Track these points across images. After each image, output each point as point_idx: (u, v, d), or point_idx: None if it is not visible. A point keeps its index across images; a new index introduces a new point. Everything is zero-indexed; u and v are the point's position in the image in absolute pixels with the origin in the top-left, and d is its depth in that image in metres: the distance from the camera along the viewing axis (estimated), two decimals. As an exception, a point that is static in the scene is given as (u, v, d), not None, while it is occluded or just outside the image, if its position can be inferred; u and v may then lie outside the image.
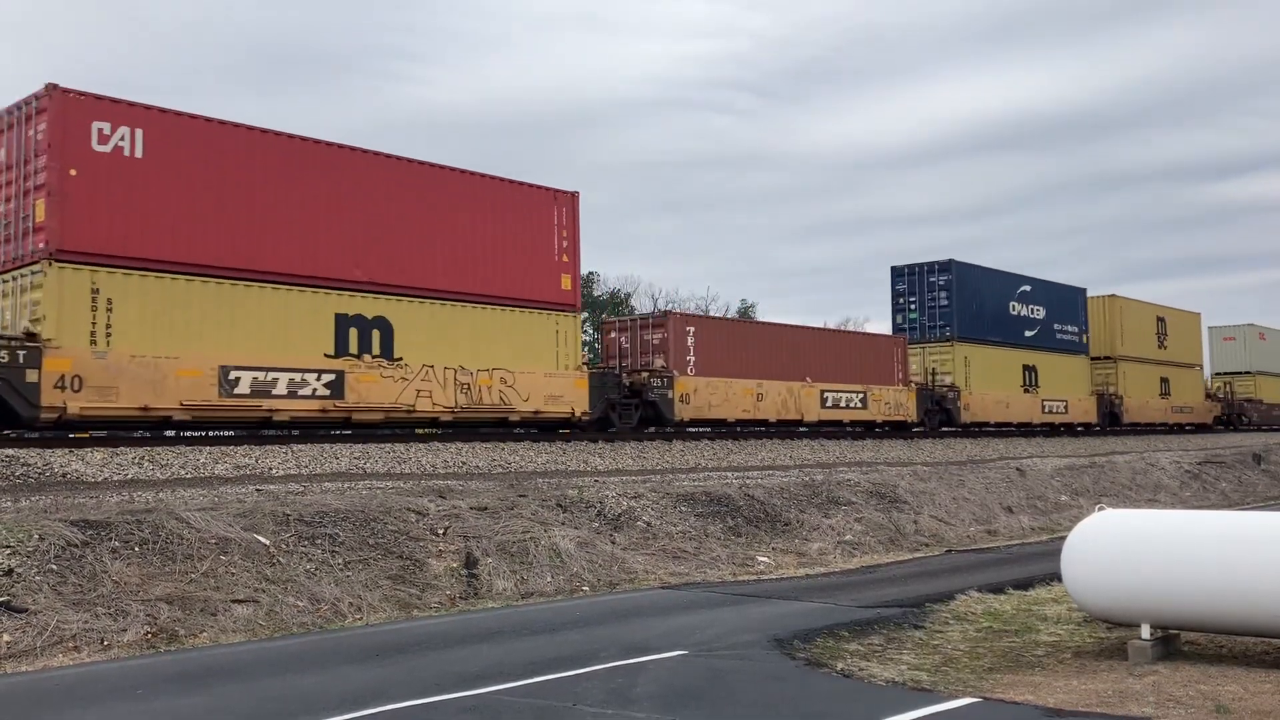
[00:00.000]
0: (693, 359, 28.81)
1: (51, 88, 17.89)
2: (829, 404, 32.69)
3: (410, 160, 23.00)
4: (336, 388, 20.83)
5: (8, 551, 10.52)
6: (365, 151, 22.19)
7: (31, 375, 16.89)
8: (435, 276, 22.98)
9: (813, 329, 36.83)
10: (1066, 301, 44.93)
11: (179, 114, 19.39)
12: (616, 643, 9.84)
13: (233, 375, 19.29)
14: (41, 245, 17.61)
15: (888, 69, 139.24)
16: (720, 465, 25.28)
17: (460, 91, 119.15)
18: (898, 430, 35.61)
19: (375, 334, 21.77)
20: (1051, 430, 43.23)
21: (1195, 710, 7.47)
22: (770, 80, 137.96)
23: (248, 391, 19.48)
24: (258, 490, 15.10)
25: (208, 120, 19.81)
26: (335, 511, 13.52)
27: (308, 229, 20.91)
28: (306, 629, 11.13)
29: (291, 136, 21.06)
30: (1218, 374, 61.67)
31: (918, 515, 20.43)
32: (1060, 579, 10.02)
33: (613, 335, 30.31)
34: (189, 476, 16.94)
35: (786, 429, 31.84)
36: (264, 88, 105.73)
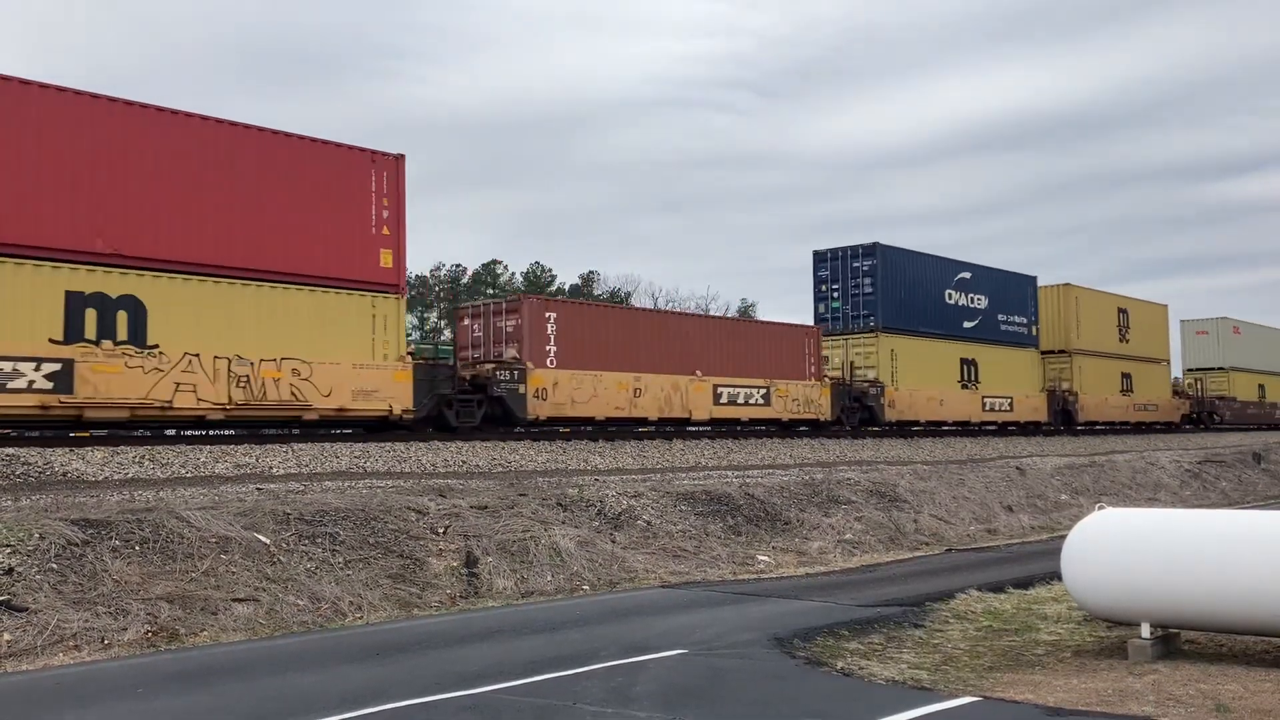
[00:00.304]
0: (554, 349, 25.67)
1: None
2: (724, 400, 29.54)
3: (175, 112, 19.63)
4: (63, 380, 17.47)
5: (8, 550, 10.52)
6: (112, 100, 18.80)
7: None
8: (206, 249, 19.57)
9: (706, 317, 34.33)
10: (1013, 290, 41.44)
11: None
12: (616, 642, 9.84)
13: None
14: None
15: (889, 68, 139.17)
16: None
17: (460, 91, 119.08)
18: (817, 430, 32.52)
19: (122, 316, 18.40)
20: (999, 430, 40.14)
21: (1195, 709, 7.47)
22: (771, 80, 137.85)
23: None
24: (258, 489, 15.11)
25: None
26: (336, 510, 13.53)
27: (27, 190, 17.56)
28: (307, 628, 11.13)
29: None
30: (1189, 370, 58.76)
31: (918, 514, 20.43)
32: (1060, 578, 10.02)
33: (465, 323, 27.43)
34: (189, 475, 16.94)
35: (674, 429, 28.74)
36: (261, 87, 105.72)
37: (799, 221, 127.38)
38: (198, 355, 19.24)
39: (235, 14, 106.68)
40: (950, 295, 38.19)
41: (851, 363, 34.90)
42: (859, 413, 33.76)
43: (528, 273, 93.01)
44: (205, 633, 10.56)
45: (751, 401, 30.51)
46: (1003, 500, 23.36)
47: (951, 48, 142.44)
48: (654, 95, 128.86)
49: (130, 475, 16.46)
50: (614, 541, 15.40)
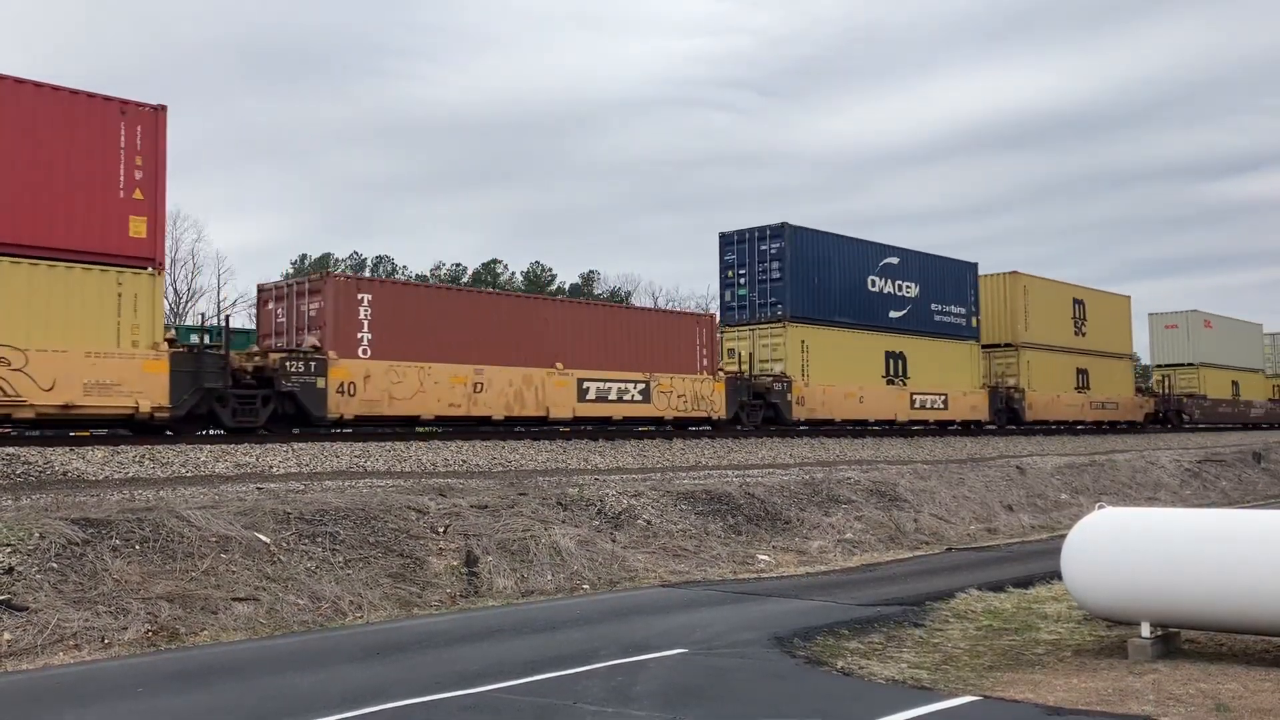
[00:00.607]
0: (367, 336, 22.10)
1: None
2: (591, 396, 25.99)
3: None
4: None
5: (8, 550, 10.53)
6: None
7: None
8: None
9: (571, 302, 30.23)
10: (950, 278, 37.73)
11: None
12: (617, 641, 9.84)
13: None
14: None
15: (889, 67, 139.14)
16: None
17: (460, 90, 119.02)
18: (717, 430, 29.46)
19: None
20: (935, 430, 36.87)
21: (1195, 708, 7.47)
22: (772, 78, 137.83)
23: None
24: (258, 488, 15.11)
25: None
26: (336, 510, 13.53)
27: None
28: (307, 627, 11.14)
29: None
30: (1158, 366, 55.41)
31: (918, 513, 20.43)
32: (1060, 577, 10.03)
33: (269, 306, 23.73)
34: (189, 475, 16.94)
35: (530, 428, 25.52)
36: (262, 86, 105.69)
37: (800, 221, 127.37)
38: None
39: (235, 13, 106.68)
40: (874, 282, 34.59)
41: (753, 355, 31.70)
42: (762, 410, 30.41)
43: (527, 272, 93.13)
44: (205, 632, 10.56)
45: (627, 398, 26.82)
46: (1003, 499, 23.36)
47: (952, 47, 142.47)
48: (654, 94, 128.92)
49: (130, 474, 16.46)
50: (614, 541, 15.40)
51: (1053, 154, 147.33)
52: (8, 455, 16.13)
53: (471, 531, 14.13)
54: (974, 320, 38.70)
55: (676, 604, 12.23)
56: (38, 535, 10.84)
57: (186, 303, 61.76)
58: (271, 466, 18.23)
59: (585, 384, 26.03)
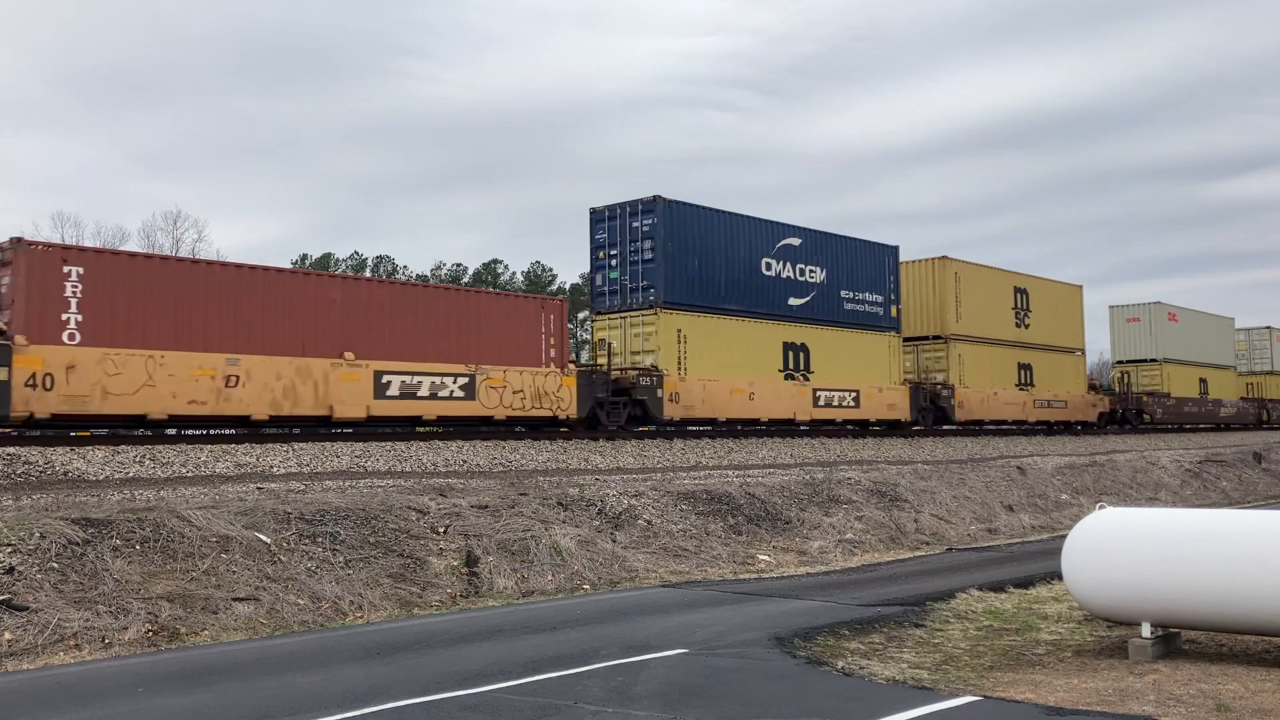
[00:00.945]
0: (76, 318, 18.34)
1: None
2: (394, 392, 22.14)
3: None
4: None
5: (9, 549, 10.53)
6: None
7: None
8: None
9: (366, 280, 25.89)
10: (865, 262, 34.14)
11: None
12: (617, 641, 9.84)
13: None
14: None
15: (890, 66, 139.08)
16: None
17: (460, 90, 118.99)
18: (569, 431, 25.80)
19: None
20: (849, 431, 33.38)
21: (1196, 708, 7.47)
22: (773, 77, 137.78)
23: None
24: (259, 488, 15.11)
25: None
26: (336, 510, 13.53)
27: None
28: (307, 627, 11.14)
29: None
30: (1119, 362, 51.88)
31: (918, 513, 20.43)
32: (1061, 577, 10.03)
33: None
34: (190, 475, 16.95)
35: (310, 429, 21.67)
36: (264, 85, 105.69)
37: (801, 219, 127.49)
38: None
39: (236, 12, 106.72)
40: (770, 265, 30.74)
41: (625, 346, 28.12)
42: (626, 409, 26.90)
43: (528, 271, 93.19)
44: (206, 632, 10.57)
45: (443, 394, 23.04)
46: (1003, 500, 23.36)
47: (952, 46, 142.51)
48: (655, 93, 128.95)
49: (131, 474, 16.47)
50: (615, 541, 15.41)
51: (1053, 153, 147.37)
52: (9, 455, 16.13)
53: (472, 531, 14.13)
54: (894, 309, 34.96)
55: (677, 604, 12.23)
56: (38, 535, 10.84)
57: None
58: (272, 466, 18.24)
59: (385, 378, 22.12)
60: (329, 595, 11.95)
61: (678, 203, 28.32)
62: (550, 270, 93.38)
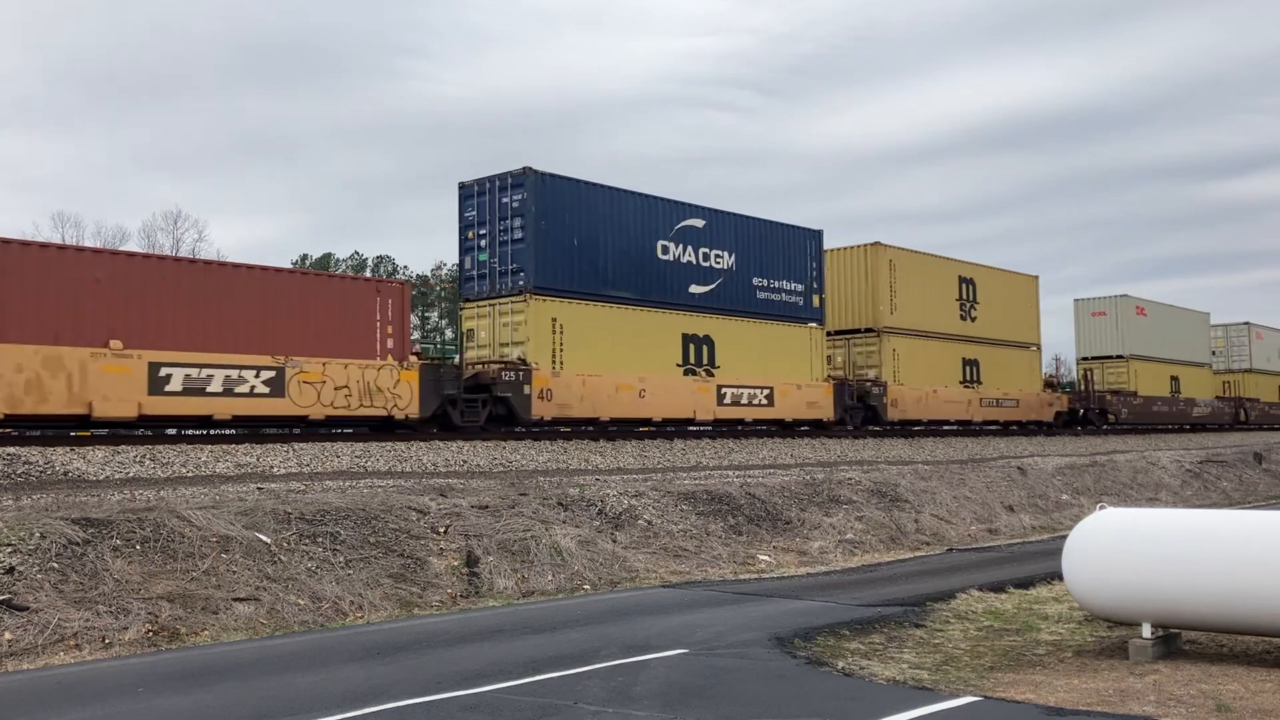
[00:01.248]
0: None
1: None
2: (176, 387, 19.16)
3: None
4: None
5: (9, 550, 10.53)
6: None
7: None
8: None
9: (146, 258, 22.08)
10: (782, 248, 30.97)
11: None
12: (617, 641, 9.84)
13: None
14: None
15: (891, 66, 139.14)
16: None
17: (461, 89, 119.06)
18: (421, 432, 22.95)
19: None
20: (773, 430, 30.85)
21: (1196, 709, 7.46)
22: (773, 77, 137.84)
23: None
24: (259, 488, 15.12)
25: None
26: (336, 510, 13.53)
27: None
28: (308, 627, 11.14)
29: None
30: (1083, 359, 48.44)
31: (919, 514, 20.43)
32: (1061, 578, 10.03)
33: None
34: (190, 475, 16.95)
35: (68, 430, 19.02)
36: (265, 85, 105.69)
37: (801, 219, 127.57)
38: None
39: (236, 11, 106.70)
40: (666, 249, 27.61)
41: (478, 336, 25.45)
42: (488, 408, 23.75)
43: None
44: (206, 632, 10.57)
45: (242, 390, 19.99)
46: (1004, 500, 23.36)
47: (952, 46, 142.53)
48: (655, 93, 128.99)
49: (131, 474, 16.48)
50: (615, 541, 15.41)
51: (1053, 154, 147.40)
52: (9, 455, 16.14)
53: (472, 532, 14.13)
54: (817, 299, 31.86)
55: (677, 604, 12.23)
56: (39, 535, 10.84)
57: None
58: (272, 467, 18.24)
59: (165, 370, 19.10)
60: (329, 595, 11.95)
61: (552, 176, 25.20)
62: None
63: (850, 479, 21.08)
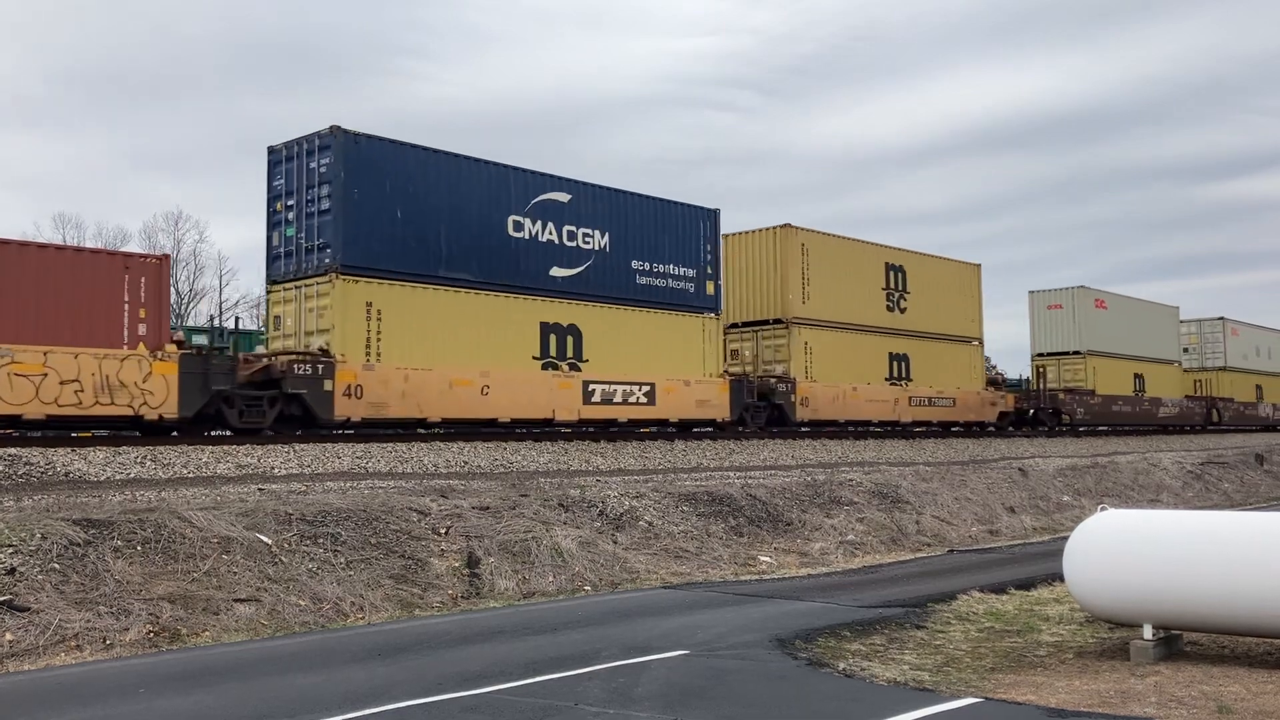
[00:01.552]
0: None
1: None
2: None
3: None
4: None
5: (10, 550, 10.54)
6: None
7: None
8: None
9: None
10: (667, 228, 27.38)
11: None
12: (618, 642, 9.84)
13: None
14: None
15: (891, 66, 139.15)
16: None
17: (460, 89, 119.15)
18: (189, 435, 19.63)
19: None
20: (657, 432, 27.46)
21: (1198, 710, 7.46)
22: (773, 77, 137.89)
23: None
24: (260, 489, 15.12)
25: None
26: (337, 511, 13.54)
27: None
28: (308, 628, 11.14)
29: None
30: (1039, 355, 44.72)
31: (920, 515, 20.43)
32: (1062, 579, 10.03)
33: None
34: (191, 476, 16.96)
35: None
36: (264, 85, 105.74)
37: (802, 219, 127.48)
38: None
39: (236, 11, 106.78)
40: (520, 225, 24.00)
41: (274, 320, 22.29)
42: (277, 406, 20.33)
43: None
44: (207, 633, 10.57)
45: None
46: (1005, 501, 23.36)
47: (956, 45, 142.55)
48: (655, 93, 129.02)
49: (132, 475, 16.48)
50: (616, 542, 15.41)
51: (1055, 154, 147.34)
52: (10, 456, 16.15)
53: (473, 533, 14.14)
54: (711, 286, 28.41)
55: (678, 605, 12.23)
56: (39, 536, 10.85)
57: (189, 304, 61.88)
58: (273, 468, 18.25)
59: None
60: (330, 596, 11.95)
61: (369, 137, 21.65)
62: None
63: (851, 480, 21.08)
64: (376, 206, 21.63)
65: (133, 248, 58.86)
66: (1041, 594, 12.91)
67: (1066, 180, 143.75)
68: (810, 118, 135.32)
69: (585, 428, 25.63)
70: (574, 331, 25.09)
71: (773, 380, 30.05)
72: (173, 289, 58.81)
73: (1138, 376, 47.04)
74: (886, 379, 33.87)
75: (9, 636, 9.64)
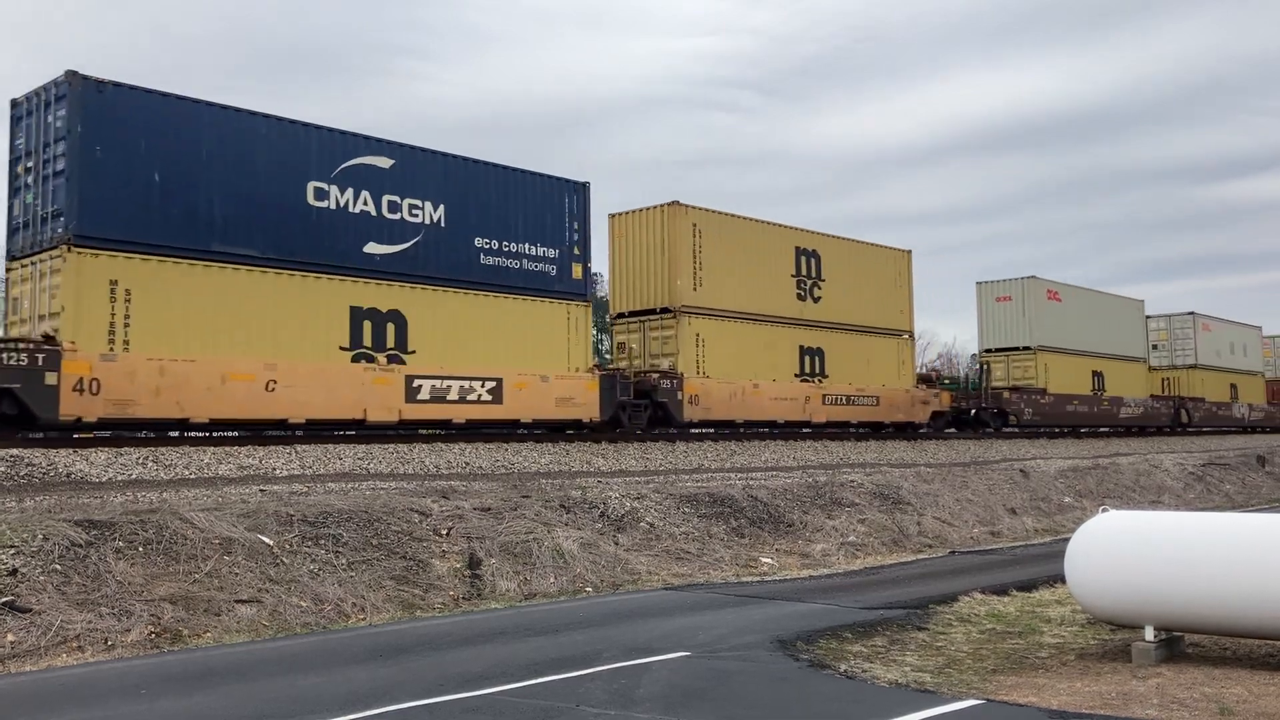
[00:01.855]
0: None
1: None
2: None
3: None
4: None
5: (12, 551, 10.54)
6: None
7: None
8: None
9: None
10: (521, 201, 24.08)
11: None
12: (619, 644, 9.84)
13: None
14: None
15: (893, 67, 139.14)
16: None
17: (461, 89, 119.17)
18: None
19: None
20: (506, 433, 24.12)
21: (1199, 712, 7.46)
22: (774, 78, 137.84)
23: None
24: (261, 491, 15.13)
25: None
26: (339, 512, 13.54)
27: None
28: (310, 629, 11.15)
29: None
30: (986, 350, 41.59)
31: (921, 516, 20.43)
32: (1064, 580, 10.02)
33: None
34: (193, 477, 16.96)
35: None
36: (264, 86, 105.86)
37: (804, 220, 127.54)
38: None
39: (237, 12, 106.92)
40: (324, 194, 20.69)
41: (12, 303, 19.38)
42: None
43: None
44: (208, 634, 10.58)
45: None
46: (1006, 503, 23.35)
47: (954, 47, 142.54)
48: (656, 94, 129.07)
49: (134, 476, 16.49)
50: (617, 543, 15.41)
51: (1057, 155, 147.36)
52: (12, 457, 16.15)
53: (474, 534, 14.14)
54: (579, 269, 25.19)
55: (679, 606, 12.23)
56: (41, 537, 10.85)
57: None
58: (275, 469, 18.26)
59: None
60: (331, 597, 11.96)
61: (114, 85, 18.33)
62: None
63: (853, 481, 21.08)
64: (126, 168, 18.33)
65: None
66: (1043, 595, 12.90)
67: (1068, 181, 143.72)
68: (811, 118, 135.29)
69: (410, 430, 22.50)
70: (396, 318, 21.76)
71: (654, 376, 26.82)
72: None
73: (1097, 374, 44.14)
74: (796, 375, 30.81)
75: (11, 637, 9.65)
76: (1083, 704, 7.71)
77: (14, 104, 19.31)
